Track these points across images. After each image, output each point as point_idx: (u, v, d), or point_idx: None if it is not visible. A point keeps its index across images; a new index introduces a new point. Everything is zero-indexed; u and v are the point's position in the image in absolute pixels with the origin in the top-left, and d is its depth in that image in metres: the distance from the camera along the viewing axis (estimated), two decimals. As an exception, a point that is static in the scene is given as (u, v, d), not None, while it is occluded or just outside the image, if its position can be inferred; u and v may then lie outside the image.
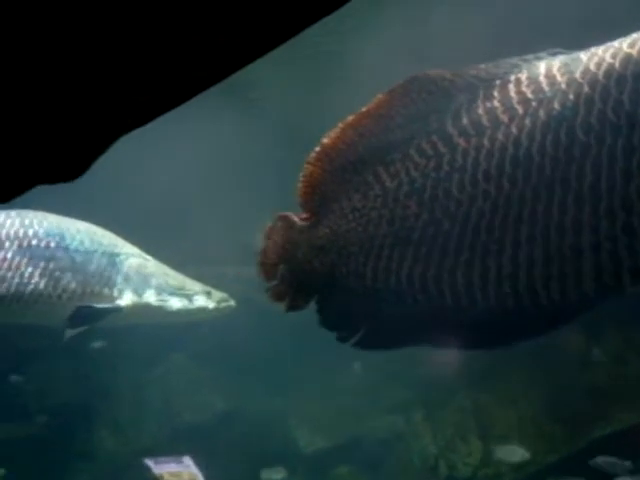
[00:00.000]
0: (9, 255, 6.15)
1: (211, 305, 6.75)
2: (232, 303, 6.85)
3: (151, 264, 6.72)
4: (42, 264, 6.19)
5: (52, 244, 6.27)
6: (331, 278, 3.90)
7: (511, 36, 5.70)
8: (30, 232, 6.25)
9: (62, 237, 6.32)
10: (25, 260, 6.16)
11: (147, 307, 6.56)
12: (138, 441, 8.01)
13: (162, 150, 7.53)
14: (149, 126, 1.85)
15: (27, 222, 6.29)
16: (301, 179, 3.99)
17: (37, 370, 8.12)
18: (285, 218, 4.01)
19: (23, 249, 6.18)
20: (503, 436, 7.48)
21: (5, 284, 6.11)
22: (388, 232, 3.73)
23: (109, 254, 6.47)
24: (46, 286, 6.19)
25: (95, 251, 6.41)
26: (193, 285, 6.80)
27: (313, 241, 3.93)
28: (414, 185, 3.68)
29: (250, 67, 1.63)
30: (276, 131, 7.82)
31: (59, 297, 6.24)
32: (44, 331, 6.94)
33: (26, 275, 6.14)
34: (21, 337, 7.34)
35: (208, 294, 6.75)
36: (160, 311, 6.62)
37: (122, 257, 6.53)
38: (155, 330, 7.57)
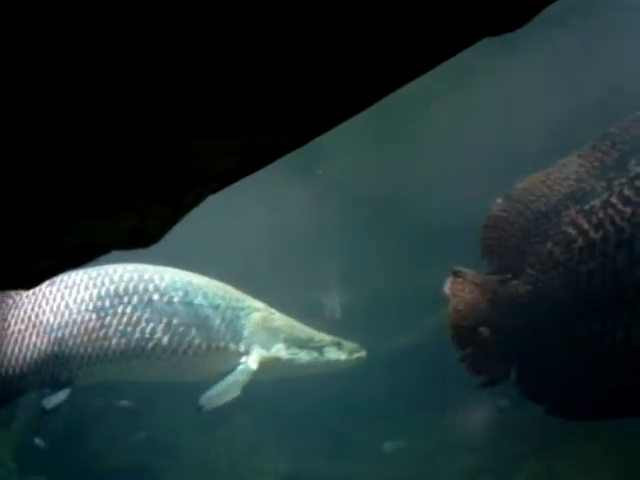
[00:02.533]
0: (128, 310, 5.92)
1: (342, 357, 6.51)
2: (363, 354, 6.58)
3: (277, 317, 6.49)
4: (165, 319, 5.97)
5: (175, 299, 6.06)
6: (535, 341, 3.59)
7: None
8: (151, 287, 6.04)
9: (185, 292, 6.11)
10: (146, 315, 5.93)
11: (276, 361, 6.33)
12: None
13: (233, 215, 7.52)
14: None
15: (147, 276, 6.08)
16: (487, 232, 3.73)
17: (99, 431, 8.11)
18: (465, 275, 3.71)
19: (144, 303, 5.96)
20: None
21: (124, 339, 5.88)
22: (600, 289, 3.44)
23: (233, 308, 6.25)
24: (170, 342, 5.97)
25: (219, 305, 6.19)
26: (322, 337, 6.56)
27: (515, 299, 3.64)
28: (622, 236, 3.41)
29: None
30: (343, 199, 7.80)
31: (184, 353, 6.02)
32: (102, 391, 6.86)
33: (147, 330, 5.92)
34: (84, 398, 7.21)
35: (339, 345, 6.52)
36: (289, 365, 6.39)
37: (247, 311, 6.30)
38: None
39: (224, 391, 6.09)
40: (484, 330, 3.63)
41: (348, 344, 6.53)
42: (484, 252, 3.73)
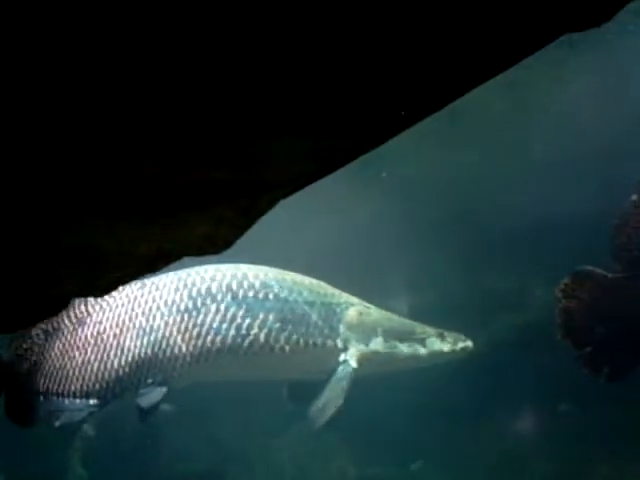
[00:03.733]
0: (222, 307, 5.87)
1: (446, 348, 6.25)
2: (469, 344, 6.32)
3: (374, 311, 6.29)
4: (261, 315, 5.88)
5: (270, 295, 5.98)
6: None
7: None
8: (245, 284, 5.97)
9: (280, 288, 6.03)
10: (241, 312, 5.87)
11: (375, 356, 6.14)
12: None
13: (297, 221, 7.48)
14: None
15: (240, 275, 6.02)
16: (619, 229, 3.65)
17: (167, 435, 8.17)
18: (589, 274, 3.64)
19: (238, 300, 5.90)
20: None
21: (219, 337, 5.82)
22: None
23: (328, 304, 6.11)
24: (267, 338, 5.87)
25: (314, 302, 6.07)
26: (424, 328, 6.31)
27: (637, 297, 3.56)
28: None
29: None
30: (409, 202, 7.73)
31: (282, 350, 5.90)
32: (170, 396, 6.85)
33: (243, 327, 5.85)
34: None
35: (441, 336, 6.27)
36: (390, 359, 6.19)
37: (342, 306, 6.15)
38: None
39: (330, 400, 6.00)
40: (601, 331, 3.43)
41: (452, 334, 6.30)
42: (614, 249, 3.64)
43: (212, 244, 1.73)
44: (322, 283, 6.27)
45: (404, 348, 6.19)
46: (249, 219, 1.66)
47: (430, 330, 6.29)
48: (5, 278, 1.83)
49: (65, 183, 1.58)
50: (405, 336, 6.23)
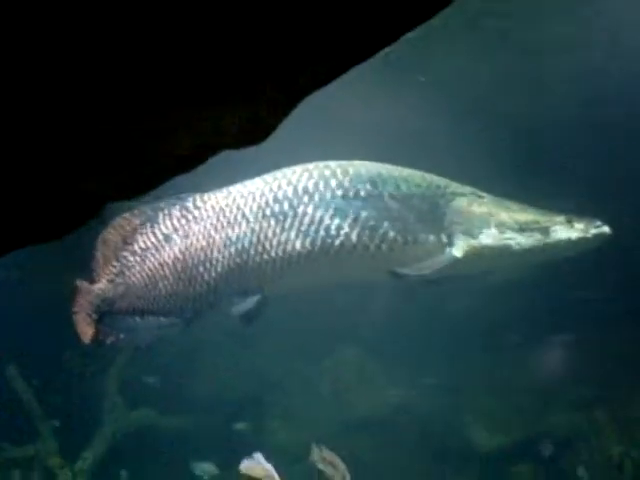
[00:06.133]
0: (309, 210, 5.59)
1: (574, 235, 5.56)
2: (605, 230, 5.56)
3: (488, 200, 5.73)
4: (351, 214, 5.55)
5: (362, 192, 5.61)
6: None
7: None
8: (333, 183, 5.64)
9: (373, 184, 5.63)
10: (330, 212, 5.56)
11: (487, 250, 5.59)
12: (309, 433, 7.90)
13: (334, 120, 7.20)
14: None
15: (328, 173, 5.68)
16: None
17: (210, 363, 8.15)
18: None
19: (326, 201, 5.59)
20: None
21: (308, 239, 5.56)
22: None
23: (431, 196, 5.65)
24: (359, 237, 5.52)
25: (413, 195, 5.62)
26: (550, 216, 5.64)
27: None
28: None
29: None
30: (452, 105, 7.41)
31: (378, 248, 5.54)
32: (212, 324, 6.76)
33: (333, 227, 5.54)
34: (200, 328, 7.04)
35: (569, 223, 5.58)
36: (506, 252, 5.60)
37: (448, 197, 5.66)
38: (324, 321, 7.45)
39: (424, 265, 5.55)
40: None
41: (584, 220, 5.60)
42: None
43: (253, 130, 1.59)
44: (426, 174, 5.80)
45: (522, 240, 5.59)
46: (291, 99, 1.52)
47: (557, 217, 5.63)
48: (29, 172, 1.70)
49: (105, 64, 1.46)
50: (525, 226, 5.61)
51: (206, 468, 7.16)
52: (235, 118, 1.56)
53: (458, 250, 5.55)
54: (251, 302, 5.65)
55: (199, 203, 5.82)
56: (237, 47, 1.39)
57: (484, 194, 5.78)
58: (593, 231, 5.54)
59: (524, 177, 6.65)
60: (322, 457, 5.58)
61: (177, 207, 5.85)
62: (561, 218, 5.60)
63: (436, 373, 7.79)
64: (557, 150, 7.28)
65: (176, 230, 5.82)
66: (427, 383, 7.81)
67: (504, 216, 5.63)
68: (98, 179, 1.80)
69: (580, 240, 5.56)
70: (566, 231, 5.56)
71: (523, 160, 7.22)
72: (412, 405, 7.94)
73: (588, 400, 7.57)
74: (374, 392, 8.09)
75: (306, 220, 5.61)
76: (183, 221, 5.82)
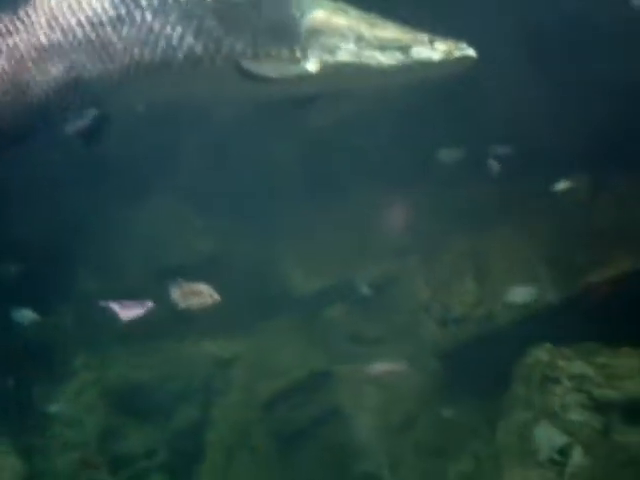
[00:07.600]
0: (148, 16, 5.18)
1: (436, 56, 5.25)
2: (470, 53, 5.28)
3: (352, 14, 5.33)
4: (195, 22, 5.14)
5: None
6: None
7: None
8: None
9: None
10: (171, 19, 5.14)
11: (344, 67, 5.27)
12: (121, 282, 7.65)
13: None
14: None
15: None
16: None
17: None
18: None
19: (168, 6, 5.16)
20: (500, 278, 7.37)
21: (147, 50, 5.18)
22: None
23: (285, 4, 5.24)
24: (205, 49, 5.13)
25: (267, 1, 5.22)
26: (411, 35, 5.30)
27: None
28: None
29: None
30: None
31: (225, 61, 5.17)
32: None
33: (174, 37, 5.13)
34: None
35: (432, 44, 5.27)
36: (364, 71, 5.27)
37: (305, 7, 5.26)
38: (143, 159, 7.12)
39: (271, 67, 5.25)
40: None
41: (448, 42, 5.30)
42: None
43: None
44: None
45: (381, 58, 5.28)
46: None
47: (420, 37, 5.33)
48: None
49: None
50: (386, 44, 5.30)
51: (25, 314, 6.96)
52: None
53: (312, 65, 5.28)
54: (88, 118, 5.31)
55: (30, 10, 5.39)
56: None
57: (349, 8, 5.47)
58: (457, 53, 5.31)
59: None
60: (183, 293, 5.44)
61: (6, 14, 5.41)
62: (424, 37, 5.35)
63: (254, 219, 7.69)
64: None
65: (3, 38, 5.39)
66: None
67: (365, 32, 5.32)
68: None
69: (443, 62, 5.32)
70: (428, 52, 5.31)
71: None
72: (230, 253, 7.86)
73: (401, 247, 7.77)
74: (191, 241, 7.92)
75: (145, 28, 5.25)
76: (11, 28, 5.39)
